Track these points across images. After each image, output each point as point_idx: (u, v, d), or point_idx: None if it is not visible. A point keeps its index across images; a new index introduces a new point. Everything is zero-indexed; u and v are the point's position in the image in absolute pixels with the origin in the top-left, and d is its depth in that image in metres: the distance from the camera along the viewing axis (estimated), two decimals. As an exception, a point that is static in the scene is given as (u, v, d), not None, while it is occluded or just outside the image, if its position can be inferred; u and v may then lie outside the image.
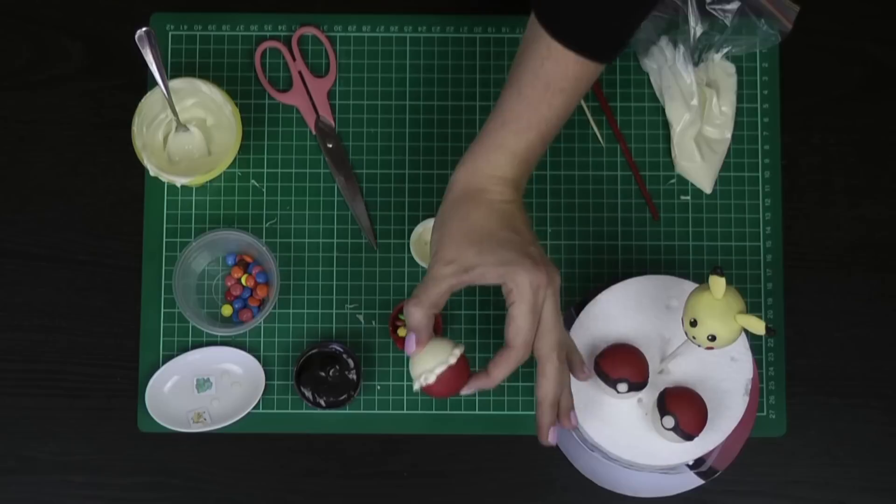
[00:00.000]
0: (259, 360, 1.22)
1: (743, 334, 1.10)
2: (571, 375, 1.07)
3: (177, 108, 1.20)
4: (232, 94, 1.22)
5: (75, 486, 1.22)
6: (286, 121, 1.26)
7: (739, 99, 1.26)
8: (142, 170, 1.24)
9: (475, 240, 1.02)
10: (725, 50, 1.25)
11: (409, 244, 1.23)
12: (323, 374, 1.20)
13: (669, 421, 1.08)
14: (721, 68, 1.25)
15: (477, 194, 1.04)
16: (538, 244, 1.04)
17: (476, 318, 1.24)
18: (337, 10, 1.27)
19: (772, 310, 1.24)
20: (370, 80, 1.26)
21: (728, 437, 1.13)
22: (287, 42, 1.27)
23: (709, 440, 1.12)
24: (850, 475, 1.22)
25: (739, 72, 1.26)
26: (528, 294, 1.00)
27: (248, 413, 1.21)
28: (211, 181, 1.22)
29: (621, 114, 1.26)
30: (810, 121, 1.26)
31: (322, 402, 1.20)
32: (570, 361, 1.06)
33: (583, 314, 1.14)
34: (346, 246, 1.24)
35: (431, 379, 1.02)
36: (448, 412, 1.23)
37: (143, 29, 1.18)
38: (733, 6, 1.23)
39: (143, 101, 1.20)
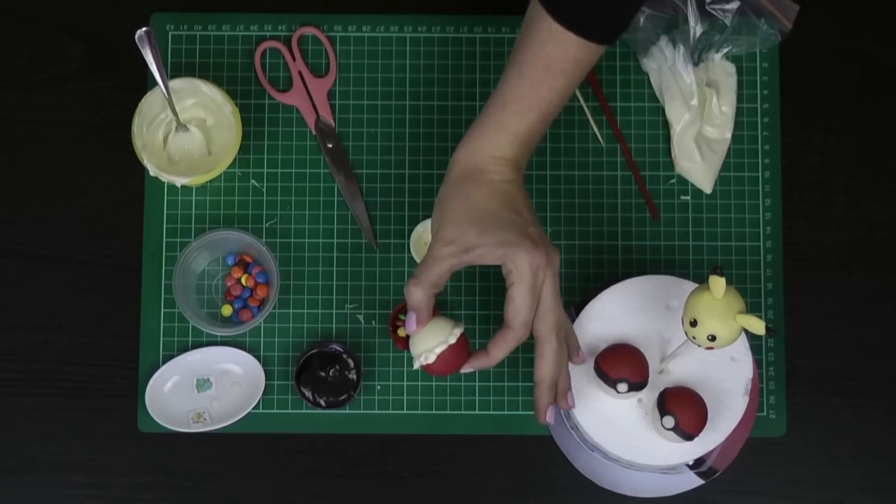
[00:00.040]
0: (259, 360, 1.22)
1: (743, 334, 1.10)
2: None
3: (177, 108, 1.20)
4: (232, 94, 1.22)
5: (75, 486, 1.22)
6: (286, 121, 1.26)
7: (739, 99, 1.26)
8: (142, 170, 1.24)
9: (476, 220, 1.02)
10: (725, 50, 1.25)
11: (409, 244, 1.23)
12: (323, 374, 1.20)
13: (669, 421, 1.08)
14: (721, 68, 1.25)
15: (477, 174, 1.04)
16: (538, 224, 1.05)
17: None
18: (337, 10, 1.27)
19: (772, 310, 1.24)
20: (370, 80, 1.26)
21: (728, 437, 1.13)
22: (287, 42, 1.27)
23: (709, 440, 1.12)
24: (850, 475, 1.22)
25: (739, 72, 1.26)
26: (527, 275, 1.01)
27: (248, 413, 1.21)
28: (211, 181, 1.22)
29: (621, 114, 1.26)
30: (810, 121, 1.26)
31: (322, 402, 1.20)
32: (567, 345, 1.07)
33: (583, 314, 1.14)
34: (346, 246, 1.24)
35: (431, 358, 1.03)
36: (448, 412, 1.22)
37: (143, 29, 1.18)
38: (733, 6, 1.23)
39: (143, 101, 1.20)
